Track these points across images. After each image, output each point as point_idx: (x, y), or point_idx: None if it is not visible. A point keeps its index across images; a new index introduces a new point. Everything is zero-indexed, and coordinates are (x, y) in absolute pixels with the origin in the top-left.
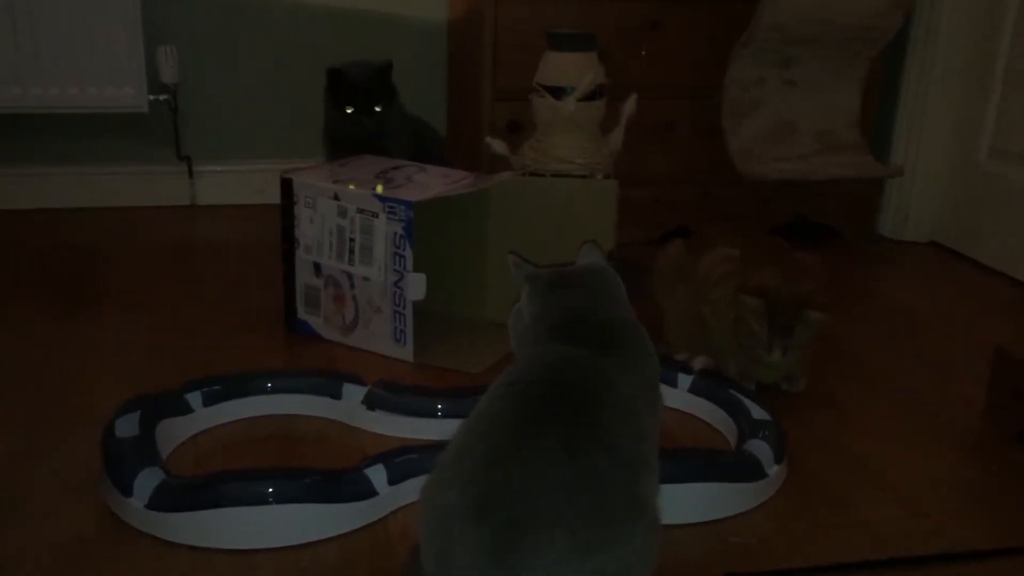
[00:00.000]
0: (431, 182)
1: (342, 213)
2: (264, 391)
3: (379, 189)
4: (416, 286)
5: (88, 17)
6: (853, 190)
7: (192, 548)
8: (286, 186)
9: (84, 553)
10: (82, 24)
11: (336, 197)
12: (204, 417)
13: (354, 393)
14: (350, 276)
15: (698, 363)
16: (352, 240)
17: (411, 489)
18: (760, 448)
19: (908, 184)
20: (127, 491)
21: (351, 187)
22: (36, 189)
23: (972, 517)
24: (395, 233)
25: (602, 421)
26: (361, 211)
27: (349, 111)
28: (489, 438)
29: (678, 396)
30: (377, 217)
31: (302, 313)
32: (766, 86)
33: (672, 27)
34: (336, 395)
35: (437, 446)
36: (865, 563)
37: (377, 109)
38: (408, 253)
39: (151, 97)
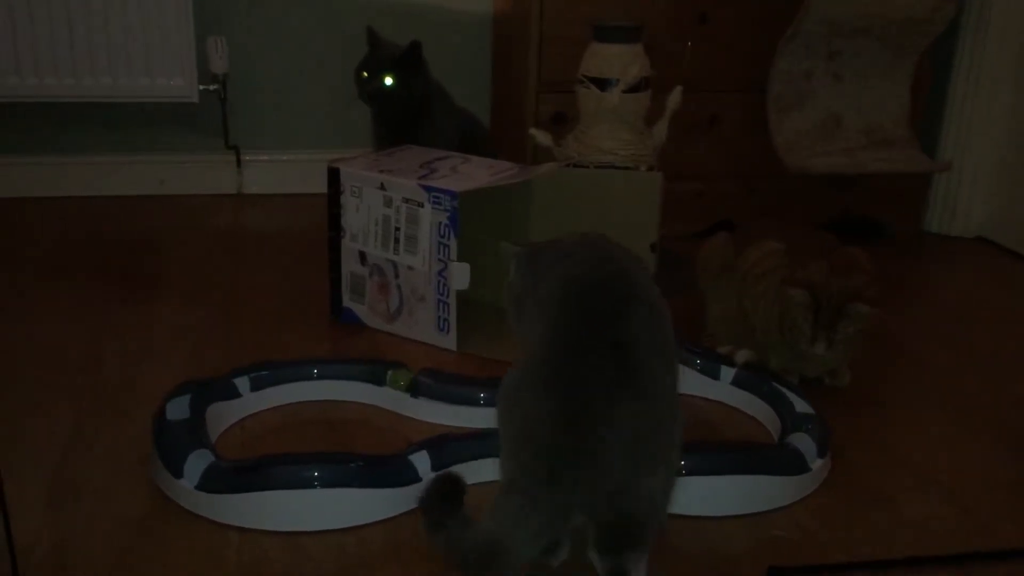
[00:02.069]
0: (476, 173)
1: (388, 202)
2: (310, 377)
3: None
4: (459, 275)
5: (140, 8)
6: (900, 185)
7: (241, 529)
8: (333, 175)
9: (137, 532)
10: (134, 15)
11: (382, 187)
12: (252, 401)
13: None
14: (395, 265)
15: (741, 356)
16: (397, 229)
17: None
18: (803, 442)
19: (956, 179)
20: (178, 473)
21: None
22: (87, 177)
23: (1020, 515)
24: (440, 223)
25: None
26: (407, 201)
27: (364, 75)
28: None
29: (721, 389)
30: (422, 207)
31: (347, 301)
32: (813, 79)
33: (719, 20)
34: (380, 382)
35: (479, 433)
36: (910, 559)
37: (387, 82)
38: (452, 242)
39: (201, 87)
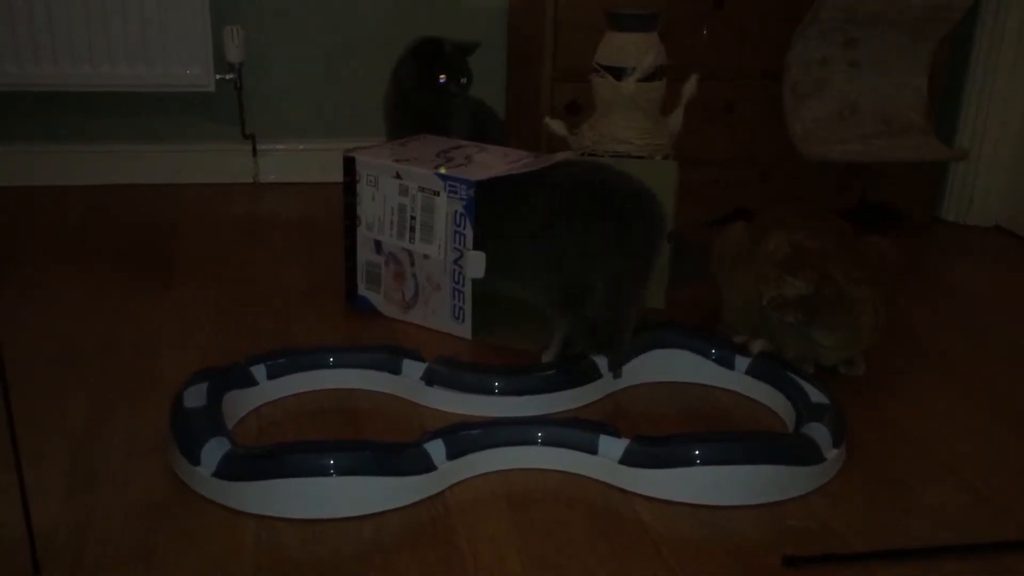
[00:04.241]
0: (491, 162)
1: (403, 191)
2: (326, 365)
3: (442, 170)
4: (475, 264)
5: None
6: (916, 174)
7: (258, 516)
8: (349, 164)
9: (154, 519)
10: (152, 4)
11: (398, 176)
12: (268, 389)
13: (413, 369)
14: (410, 254)
15: (756, 346)
16: (413, 218)
17: (469, 464)
18: (818, 431)
19: (973, 168)
20: (195, 460)
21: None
22: (104, 165)
23: None
24: (456, 212)
25: None
26: (422, 189)
27: (442, 79)
28: None
29: (736, 378)
30: (438, 196)
31: (363, 289)
32: (829, 67)
33: (735, 6)
34: (396, 371)
35: (494, 422)
36: (927, 549)
37: (463, 81)
38: (468, 232)
39: (217, 76)
